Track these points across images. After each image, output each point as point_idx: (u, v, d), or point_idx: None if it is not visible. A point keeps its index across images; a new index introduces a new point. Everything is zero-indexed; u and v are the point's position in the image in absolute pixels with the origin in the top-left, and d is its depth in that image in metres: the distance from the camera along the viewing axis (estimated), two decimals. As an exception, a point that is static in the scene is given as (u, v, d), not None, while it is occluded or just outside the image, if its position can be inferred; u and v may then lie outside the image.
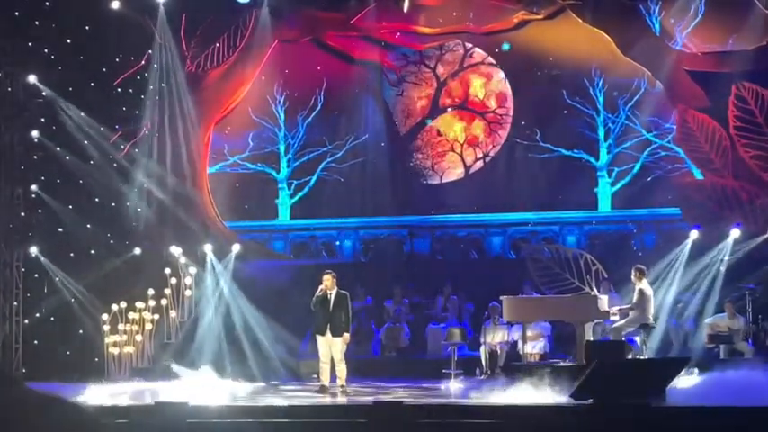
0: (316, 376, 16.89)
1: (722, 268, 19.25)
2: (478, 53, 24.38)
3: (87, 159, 20.76)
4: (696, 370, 16.33)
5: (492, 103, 24.26)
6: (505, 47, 23.72)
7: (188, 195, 22.04)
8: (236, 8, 22.69)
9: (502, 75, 24.22)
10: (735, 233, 19.35)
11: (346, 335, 16.19)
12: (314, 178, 24.39)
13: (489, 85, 24.36)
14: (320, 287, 16.22)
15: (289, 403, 14.47)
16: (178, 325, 20.15)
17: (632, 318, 16.93)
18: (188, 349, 19.49)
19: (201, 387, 16.29)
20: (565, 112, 23.09)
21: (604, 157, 23.12)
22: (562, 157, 23.21)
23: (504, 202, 23.42)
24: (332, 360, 16.16)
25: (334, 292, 16.21)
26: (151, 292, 20.04)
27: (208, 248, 21.03)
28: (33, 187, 19.98)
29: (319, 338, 16.22)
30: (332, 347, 16.11)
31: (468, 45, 24.40)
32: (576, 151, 23.20)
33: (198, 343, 19.64)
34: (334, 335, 16.08)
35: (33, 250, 19.89)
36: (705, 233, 20.15)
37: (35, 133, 20.03)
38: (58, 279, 20.02)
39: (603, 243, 22.76)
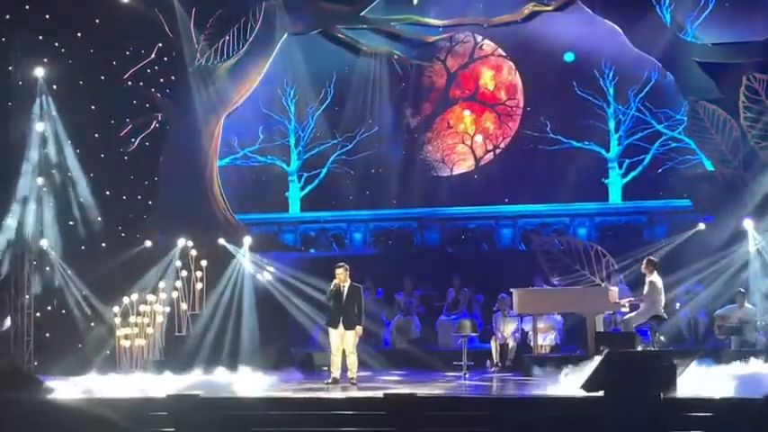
0: (326, 369, 16.91)
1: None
2: (489, 45, 24.36)
3: (98, 152, 20.81)
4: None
5: (502, 95, 24.23)
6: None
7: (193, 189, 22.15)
8: (245, 1, 22.67)
9: (512, 66, 24.19)
10: (748, 224, 19.29)
11: (359, 328, 16.21)
12: (324, 171, 24.41)
13: (499, 76, 24.33)
14: (334, 281, 16.25)
15: (299, 395, 14.48)
16: (189, 318, 20.18)
17: (643, 310, 16.95)
18: (202, 342, 19.51)
19: (213, 379, 16.31)
20: (575, 103, 23.04)
21: (615, 148, 23.08)
22: (572, 149, 23.17)
23: (515, 194, 23.40)
24: (343, 352, 16.18)
25: (347, 284, 16.23)
26: (162, 284, 20.08)
27: (221, 241, 21.12)
28: (39, 180, 19.95)
29: (332, 331, 16.24)
30: (344, 340, 16.12)
31: (479, 37, 24.37)
32: (586, 143, 23.16)
33: (212, 335, 19.68)
34: (346, 328, 16.10)
35: (43, 243, 19.93)
36: (715, 224, 20.13)
37: (40, 127, 20.02)
38: (61, 277, 20.04)
39: (614, 235, 22.73)
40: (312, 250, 23.99)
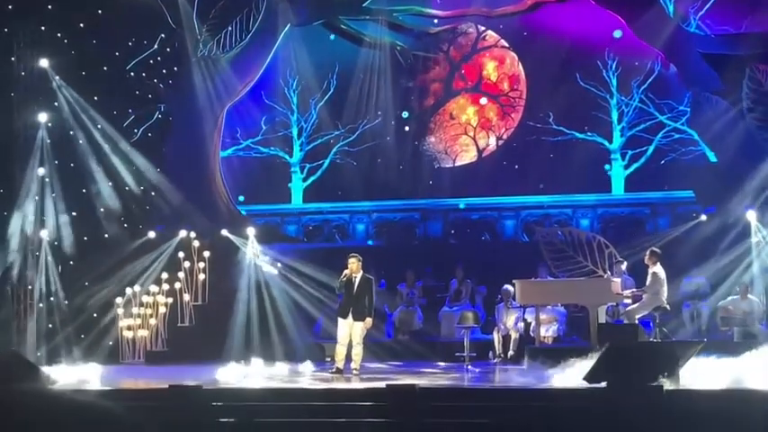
0: (330, 359, 16.87)
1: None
2: (491, 36, 24.32)
3: (100, 143, 20.82)
4: None
5: (505, 86, 24.21)
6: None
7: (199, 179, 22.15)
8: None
9: (515, 57, 24.16)
10: (750, 215, 19.26)
11: (369, 319, 16.05)
12: (326, 162, 24.40)
13: (502, 67, 24.30)
14: (345, 271, 16.16)
15: (303, 386, 14.49)
16: (192, 309, 20.20)
17: (646, 301, 16.93)
18: (212, 334, 19.50)
19: (216, 370, 16.31)
20: (578, 94, 23.01)
21: (618, 139, 23.06)
22: (575, 140, 23.16)
23: (518, 186, 23.37)
24: (349, 343, 16.12)
25: (359, 275, 16.12)
26: (165, 275, 20.09)
27: (224, 232, 21.13)
28: (40, 171, 19.94)
29: (341, 321, 16.13)
30: (352, 330, 16.05)
31: (481, 28, 24.34)
32: (589, 134, 23.15)
33: (216, 327, 19.67)
34: (355, 318, 15.97)
35: (43, 234, 19.92)
36: (717, 216, 20.11)
37: (43, 117, 20.00)
38: (63, 268, 20.06)
39: (617, 226, 22.73)
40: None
